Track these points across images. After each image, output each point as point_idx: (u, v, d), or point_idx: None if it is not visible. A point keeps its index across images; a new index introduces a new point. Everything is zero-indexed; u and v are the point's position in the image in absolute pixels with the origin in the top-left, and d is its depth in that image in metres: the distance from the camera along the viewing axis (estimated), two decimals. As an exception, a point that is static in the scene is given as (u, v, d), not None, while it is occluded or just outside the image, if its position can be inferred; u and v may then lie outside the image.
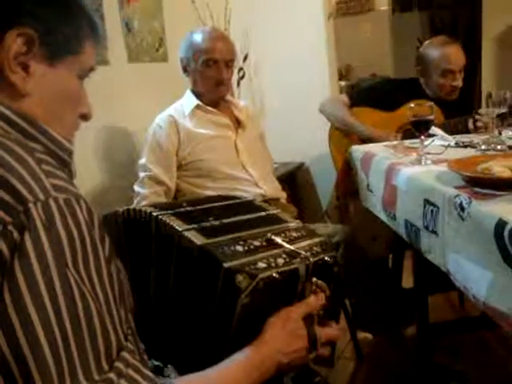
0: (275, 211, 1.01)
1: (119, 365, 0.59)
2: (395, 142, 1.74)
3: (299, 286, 0.83)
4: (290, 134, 2.79)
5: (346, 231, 1.95)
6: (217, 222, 0.88)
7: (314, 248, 0.87)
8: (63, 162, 0.70)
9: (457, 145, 1.72)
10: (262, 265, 0.77)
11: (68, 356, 0.55)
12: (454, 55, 2.19)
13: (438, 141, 1.73)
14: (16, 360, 0.54)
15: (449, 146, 1.69)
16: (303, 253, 0.83)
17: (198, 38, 1.89)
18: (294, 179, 2.66)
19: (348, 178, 1.93)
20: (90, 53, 0.74)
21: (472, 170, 1.19)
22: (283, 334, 0.78)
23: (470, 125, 2.04)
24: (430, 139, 1.66)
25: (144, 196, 1.83)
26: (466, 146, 1.69)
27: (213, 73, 1.87)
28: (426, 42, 2.32)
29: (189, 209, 0.95)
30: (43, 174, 0.59)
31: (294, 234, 0.90)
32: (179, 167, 1.87)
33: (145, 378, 0.61)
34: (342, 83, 4.17)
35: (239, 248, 0.80)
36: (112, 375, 0.58)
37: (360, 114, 2.25)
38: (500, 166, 1.15)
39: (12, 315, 0.54)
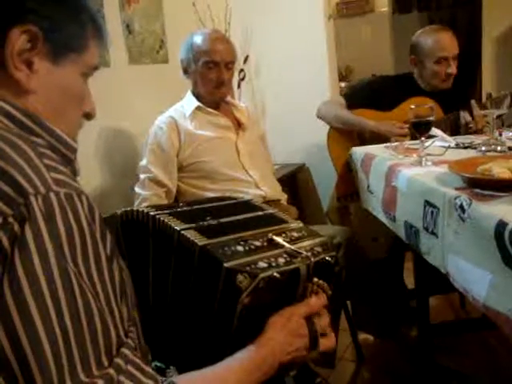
0: (272, 210, 1.01)
1: (119, 361, 0.59)
2: (395, 143, 1.74)
3: (300, 286, 0.83)
4: (290, 135, 2.79)
5: (346, 232, 1.95)
6: (214, 221, 0.88)
7: (315, 248, 0.87)
8: (66, 158, 0.70)
9: (457, 146, 1.72)
10: (262, 264, 0.77)
11: (67, 351, 0.55)
12: (448, 42, 2.17)
13: (439, 142, 1.73)
14: (15, 354, 0.54)
15: (449, 147, 1.69)
16: (304, 253, 0.83)
17: (198, 39, 1.90)
18: (294, 180, 2.66)
19: (348, 180, 1.93)
20: (93, 51, 0.74)
21: (472, 172, 1.19)
22: (284, 333, 0.78)
23: (462, 120, 2.03)
24: (431, 140, 1.66)
25: (144, 197, 1.83)
26: (466, 148, 1.69)
27: (213, 74, 1.88)
28: (419, 31, 2.28)
29: (186, 209, 0.95)
30: (44, 168, 0.59)
31: (295, 234, 0.90)
32: (180, 169, 1.87)
33: (145, 374, 0.61)
34: (343, 84, 4.17)
35: (240, 248, 0.80)
36: (111, 371, 0.58)
37: (358, 115, 2.24)
38: (500, 167, 1.15)
39: (11, 308, 0.53)
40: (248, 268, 0.75)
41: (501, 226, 0.91)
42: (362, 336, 2.11)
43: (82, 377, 0.56)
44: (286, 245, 0.84)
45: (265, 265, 0.77)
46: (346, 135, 2.27)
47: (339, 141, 2.30)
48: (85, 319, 0.57)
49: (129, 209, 0.94)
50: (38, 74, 0.67)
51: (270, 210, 1.01)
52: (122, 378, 0.58)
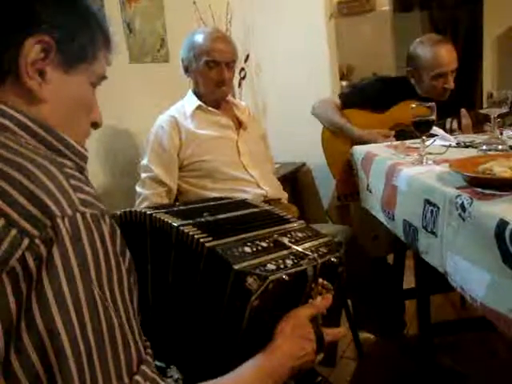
0: (269, 207, 1.01)
1: (139, 378, 0.61)
2: (396, 143, 1.74)
3: (307, 288, 0.83)
4: (291, 135, 2.79)
5: (347, 231, 1.95)
6: (211, 218, 0.89)
7: (321, 249, 0.87)
8: (79, 167, 0.71)
9: (458, 145, 1.72)
10: (271, 267, 0.77)
11: (91, 369, 0.57)
12: (447, 57, 2.12)
13: (440, 141, 1.73)
14: (44, 369, 0.55)
15: (450, 146, 1.69)
16: (311, 254, 0.83)
17: (199, 38, 1.90)
18: (295, 179, 2.66)
19: (349, 179, 1.93)
20: (102, 61, 0.76)
21: (473, 171, 1.19)
22: (294, 339, 0.79)
23: (448, 124, 2.02)
24: (432, 139, 1.66)
25: (145, 197, 1.83)
26: (467, 146, 1.69)
27: (214, 74, 1.88)
28: (417, 40, 2.22)
29: (182, 208, 0.96)
30: (71, 189, 0.60)
31: (300, 235, 0.90)
32: (181, 168, 1.87)
33: None
34: (344, 83, 4.16)
35: (247, 249, 0.80)
36: None
37: (351, 115, 2.23)
38: (501, 167, 1.15)
39: (40, 326, 0.55)
40: (257, 270, 0.75)
41: (501, 225, 0.91)
42: (363, 335, 2.11)
43: None
44: (293, 246, 0.84)
45: (273, 267, 0.77)
46: (338, 134, 2.26)
47: (332, 142, 2.30)
48: (108, 338, 0.58)
49: (128, 210, 0.94)
50: (50, 83, 0.68)
51: (266, 207, 1.01)
52: None
